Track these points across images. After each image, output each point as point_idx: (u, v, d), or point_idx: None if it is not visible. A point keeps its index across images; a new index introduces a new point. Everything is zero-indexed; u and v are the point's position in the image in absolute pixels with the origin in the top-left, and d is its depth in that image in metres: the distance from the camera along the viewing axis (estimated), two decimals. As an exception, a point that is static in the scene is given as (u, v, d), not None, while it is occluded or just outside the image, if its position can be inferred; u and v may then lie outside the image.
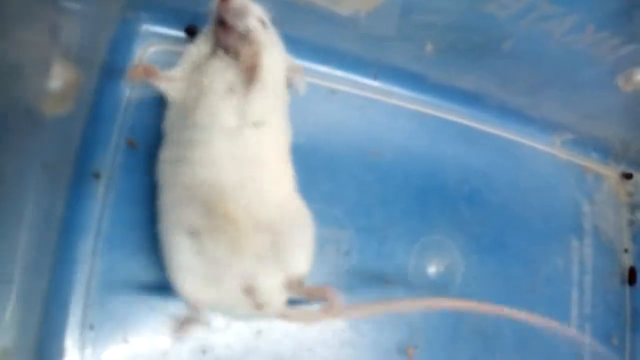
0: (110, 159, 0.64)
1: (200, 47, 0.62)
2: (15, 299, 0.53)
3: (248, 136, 0.58)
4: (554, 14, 0.68)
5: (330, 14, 0.70)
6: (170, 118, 0.61)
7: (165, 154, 0.59)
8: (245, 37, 0.59)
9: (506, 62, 0.80)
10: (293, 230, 0.58)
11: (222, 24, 0.59)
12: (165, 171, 0.59)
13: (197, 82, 0.59)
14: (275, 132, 0.61)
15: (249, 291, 0.55)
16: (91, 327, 0.60)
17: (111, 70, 0.65)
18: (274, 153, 0.60)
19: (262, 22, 0.61)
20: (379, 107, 0.83)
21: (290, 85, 0.66)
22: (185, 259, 0.55)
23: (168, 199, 0.57)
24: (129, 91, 0.66)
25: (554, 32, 0.72)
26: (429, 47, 0.78)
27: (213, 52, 0.61)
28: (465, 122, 0.89)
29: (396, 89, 0.85)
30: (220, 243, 0.54)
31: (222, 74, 0.59)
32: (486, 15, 0.70)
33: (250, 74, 0.59)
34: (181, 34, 0.70)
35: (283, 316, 0.59)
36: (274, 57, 0.62)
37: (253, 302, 0.56)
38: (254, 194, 0.56)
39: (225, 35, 0.59)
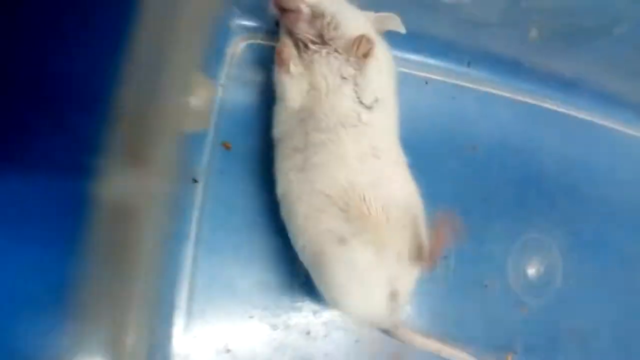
0: (206, 162, 0.61)
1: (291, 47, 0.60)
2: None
3: (367, 126, 0.55)
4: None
5: (433, 1, 0.65)
6: (285, 124, 0.58)
7: (287, 164, 0.56)
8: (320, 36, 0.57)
9: (614, 47, 0.74)
10: (418, 216, 0.56)
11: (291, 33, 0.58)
12: (293, 182, 0.55)
13: (312, 83, 0.56)
14: (389, 117, 0.59)
15: (394, 295, 0.53)
16: (194, 337, 0.59)
17: (205, 69, 0.62)
18: (389, 140, 0.58)
19: None
20: (472, 96, 0.78)
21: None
22: (343, 272, 0.51)
23: (303, 211, 0.53)
24: (222, 91, 0.63)
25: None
26: (533, 33, 0.72)
27: (303, 49, 0.59)
28: (561, 109, 0.83)
29: (490, 76, 0.79)
30: (368, 246, 0.51)
31: (329, 66, 0.56)
32: (603, -2, 0.64)
33: (364, 50, 0.56)
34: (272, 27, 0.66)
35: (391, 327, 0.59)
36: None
37: (394, 306, 0.53)
38: (385, 190, 0.54)
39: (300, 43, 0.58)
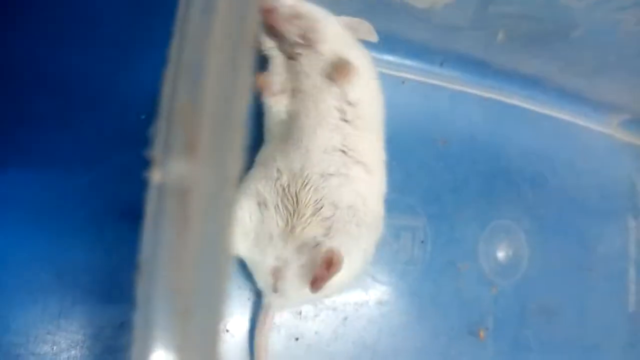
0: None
1: (276, 55, 0.64)
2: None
3: (347, 123, 0.60)
4: (632, 3, 0.69)
5: (405, 6, 0.71)
6: (272, 131, 0.63)
7: (269, 147, 0.62)
8: (304, 36, 0.60)
9: (572, 48, 0.80)
10: (349, 238, 0.58)
11: (274, 33, 0.61)
12: (262, 154, 0.62)
13: (296, 86, 0.61)
14: (372, 125, 0.63)
15: (275, 274, 0.58)
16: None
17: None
18: (368, 151, 0.62)
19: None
20: (444, 94, 0.85)
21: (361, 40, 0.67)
22: (244, 215, 0.58)
23: (255, 174, 0.60)
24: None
25: (627, 22, 0.72)
26: (500, 36, 0.78)
27: (289, 50, 0.62)
28: (526, 105, 0.90)
29: (461, 75, 0.86)
30: (279, 222, 0.57)
31: (313, 65, 0.60)
32: (562, 6, 0.70)
33: (340, 73, 0.60)
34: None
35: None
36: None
37: (273, 284, 0.59)
38: (333, 188, 0.58)
39: (284, 43, 0.61)
